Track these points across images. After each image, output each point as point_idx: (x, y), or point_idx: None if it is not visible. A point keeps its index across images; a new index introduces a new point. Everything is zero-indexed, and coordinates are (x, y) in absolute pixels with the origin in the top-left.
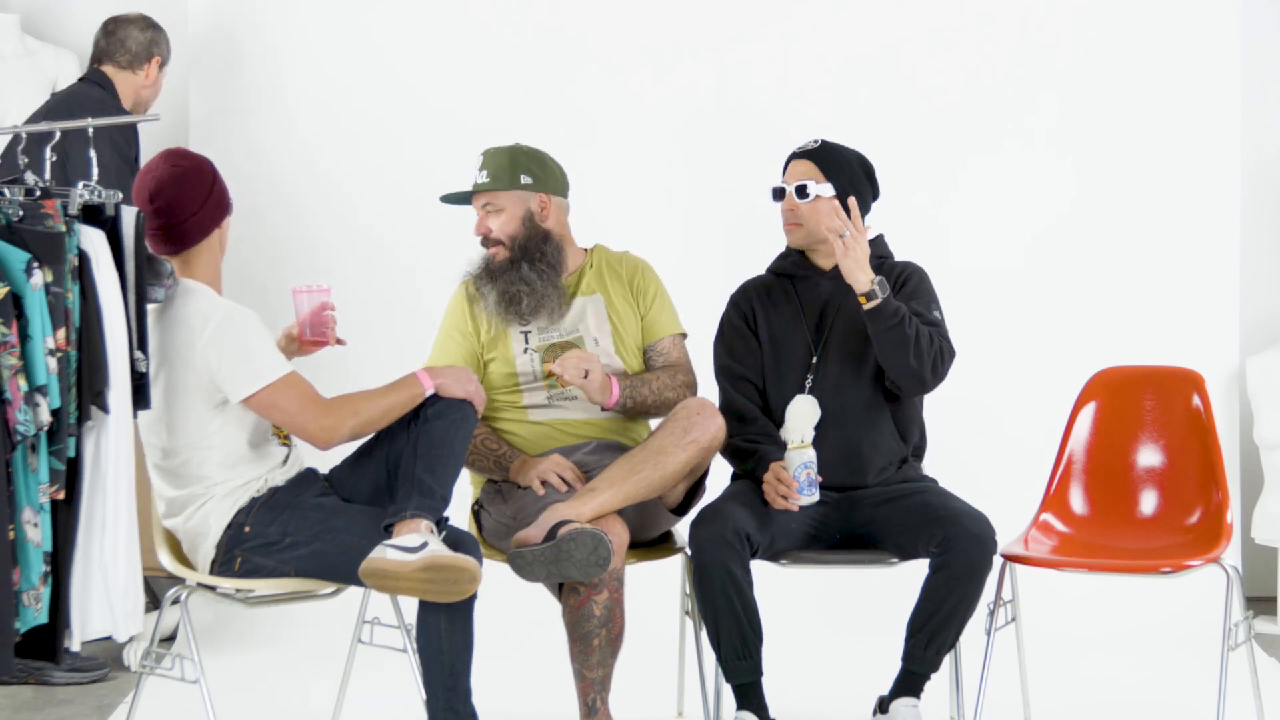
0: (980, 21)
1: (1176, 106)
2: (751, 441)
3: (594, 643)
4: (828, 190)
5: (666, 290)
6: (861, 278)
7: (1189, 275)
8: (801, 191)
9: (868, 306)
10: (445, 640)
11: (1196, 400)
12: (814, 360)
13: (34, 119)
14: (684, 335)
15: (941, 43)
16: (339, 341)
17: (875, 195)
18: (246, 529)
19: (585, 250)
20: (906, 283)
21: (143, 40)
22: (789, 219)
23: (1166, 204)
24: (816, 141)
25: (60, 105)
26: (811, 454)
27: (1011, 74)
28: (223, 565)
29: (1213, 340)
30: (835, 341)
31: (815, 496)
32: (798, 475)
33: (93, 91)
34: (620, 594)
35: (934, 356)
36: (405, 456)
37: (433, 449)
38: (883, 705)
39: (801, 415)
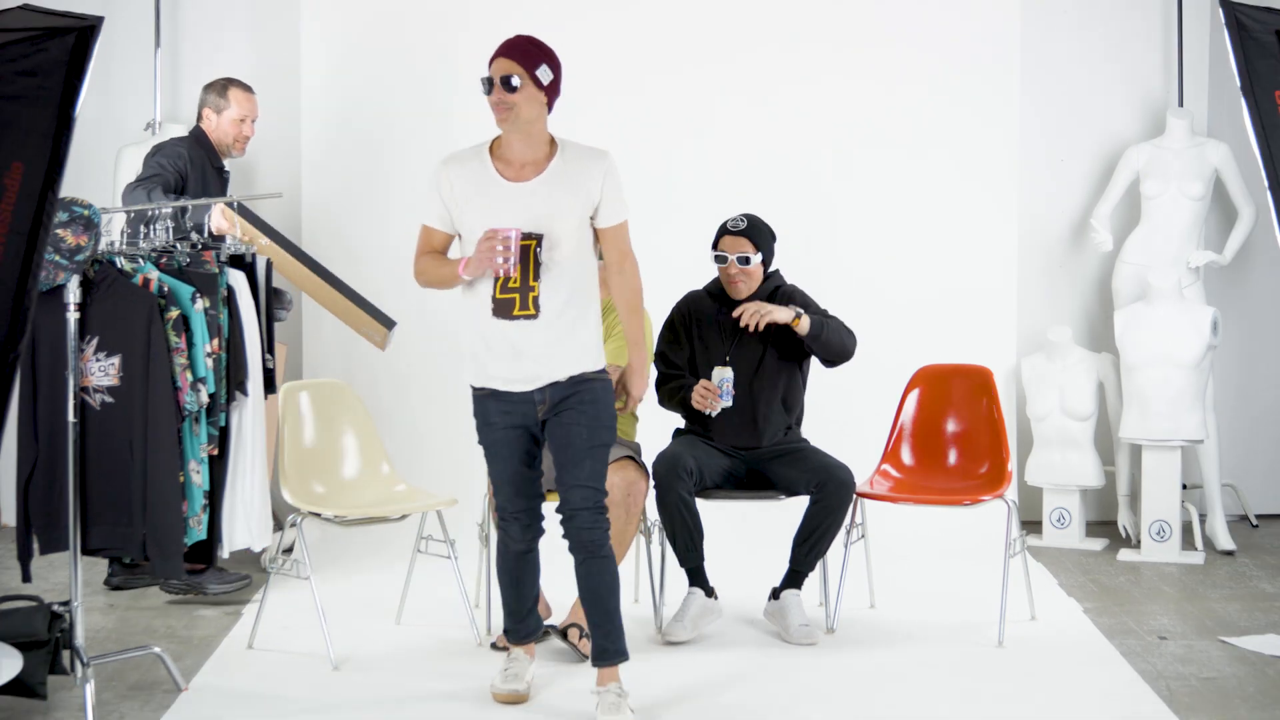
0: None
1: (967, 178)
2: (678, 378)
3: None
4: (758, 258)
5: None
6: (781, 317)
7: (981, 300)
8: (744, 260)
9: (801, 330)
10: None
11: (988, 387)
12: (727, 359)
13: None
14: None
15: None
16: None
17: (774, 240)
18: None
19: (605, 294)
20: (791, 293)
21: (198, 100)
22: (736, 279)
23: (965, 251)
24: (743, 219)
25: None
26: (730, 373)
27: (832, 131)
28: None
29: (998, 346)
30: (741, 350)
31: (730, 403)
32: (721, 386)
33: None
34: None
35: (851, 338)
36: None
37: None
38: (775, 594)
39: (720, 375)
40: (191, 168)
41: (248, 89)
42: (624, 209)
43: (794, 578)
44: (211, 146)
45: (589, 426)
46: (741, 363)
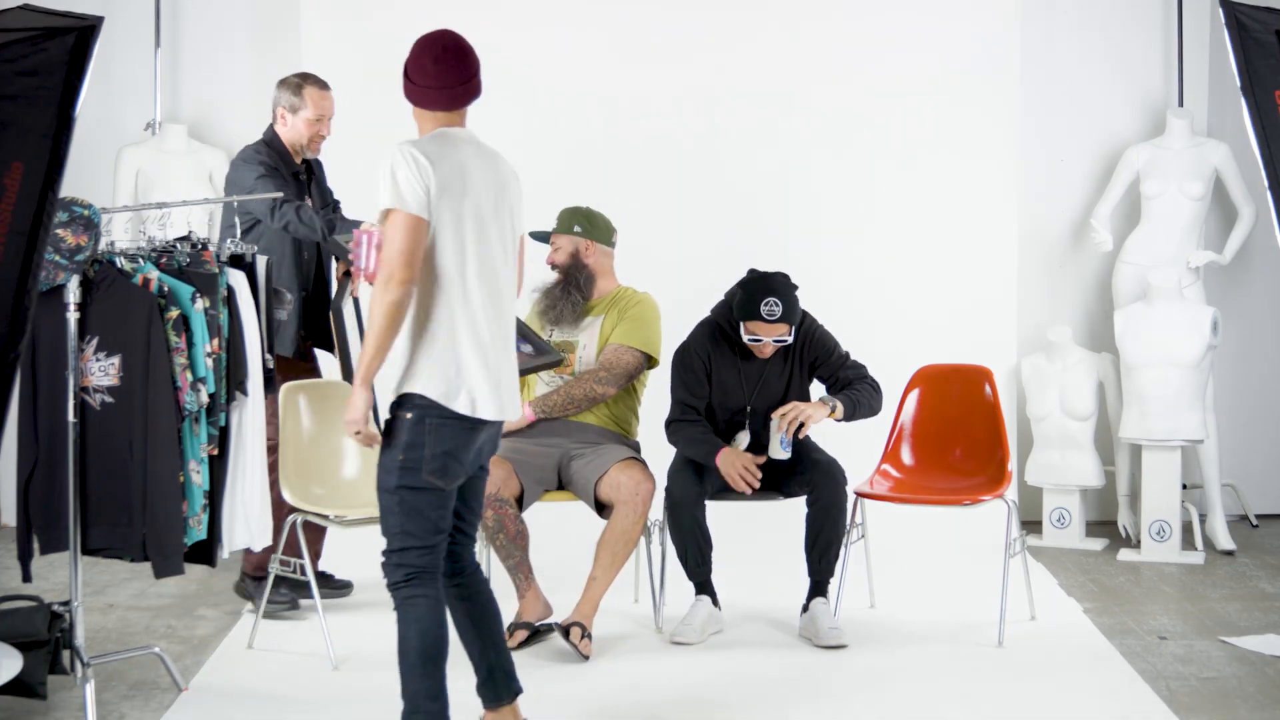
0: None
1: (967, 178)
2: (703, 429)
3: (495, 543)
4: (790, 336)
5: (646, 320)
6: (819, 416)
7: (981, 300)
8: (781, 341)
9: (838, 417)
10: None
11: (988, 387)
12: (748, 408)
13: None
14: (633, 349)
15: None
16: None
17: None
18: None
19: (616, 285)
20: (813, 338)
21: (273, 97)
22: (768, 352)
23: (965, 251)
24: (776, 304)
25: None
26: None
27: (846, 150)
28: None
29: (998, 346)
30: (762, 395)
31: (789, 454)
32: (781, 441)
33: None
34: (505, 510)
35: (879, 396)
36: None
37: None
38: (804, 609)
39: (778, 432)
40: None
41: (323, 85)
42: (381, 203)
43: (816, 588)
44: (285, 150)
45: (377, 468)
46: (760, 402)
